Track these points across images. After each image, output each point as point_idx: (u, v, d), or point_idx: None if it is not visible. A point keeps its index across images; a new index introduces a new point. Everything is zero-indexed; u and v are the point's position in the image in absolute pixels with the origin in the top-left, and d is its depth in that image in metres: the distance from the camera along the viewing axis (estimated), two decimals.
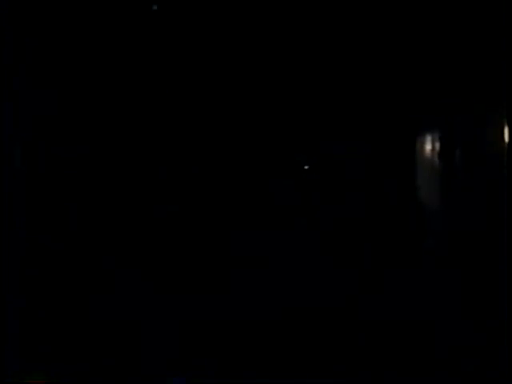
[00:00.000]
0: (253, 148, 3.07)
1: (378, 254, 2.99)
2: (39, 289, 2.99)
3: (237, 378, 2.86)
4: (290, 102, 3.08)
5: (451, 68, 3.02)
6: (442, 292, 2.94)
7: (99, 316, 2.96)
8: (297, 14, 3.04)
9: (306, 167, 3.09)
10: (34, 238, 3.00)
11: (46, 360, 2.92)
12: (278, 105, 3.08)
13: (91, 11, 3.05)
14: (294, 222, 3.04)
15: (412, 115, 3.07)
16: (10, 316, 2.89)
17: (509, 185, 2.86)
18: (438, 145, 3.05)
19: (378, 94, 3.06)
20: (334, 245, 3.01)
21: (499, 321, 2.81)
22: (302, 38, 3.06)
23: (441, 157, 3.04)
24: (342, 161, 3.05)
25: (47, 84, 3.06)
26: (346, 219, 3.03)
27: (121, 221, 3.04)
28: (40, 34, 3.05)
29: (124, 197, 3.05)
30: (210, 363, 2.91)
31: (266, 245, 3.01)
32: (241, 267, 2.99)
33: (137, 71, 3.07)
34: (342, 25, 3.05)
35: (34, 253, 2.99)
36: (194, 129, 3.08)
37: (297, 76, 3.07)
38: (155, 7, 3.02)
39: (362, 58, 3.05)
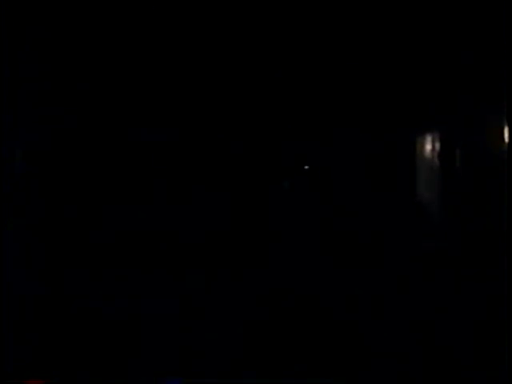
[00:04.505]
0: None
1: (376, 254, 3.00)
2: (37, 289, 2.99)
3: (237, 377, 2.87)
4: (288, 103, 3.08)
5: (451, 68, 3.02)
6: (442, 293, 2.94)
7: (97, 316, 2.97)
8: (296, 11, 3.04)
9: (306, 167, 3.10)
10: (31, 236, 3.01)
11: (44, 360, 2.92)
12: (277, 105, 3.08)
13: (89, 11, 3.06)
14: (290, 223, 3.05)
15: (412, 115, 3.07)
16: (9, 316, 2.90)
17: (509, 185, 2.86)
18: (437, 145, 3.06)
19: (378, 94, 3.06)
20: (332, 244, 3.02)
21: (499, 321, 2.81)
22: (302, 37, 3.06)
23: (441, 157, 3.04)
24: (342, 160, 3.06)
25: (48, 85, 3.06)
26: (344, 219, 3.03)
27: (120, 222, 3.05)
28: (40, 33, 3.05)
29: (124, 201, 3.06)
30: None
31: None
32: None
33: (139, 73, 3.08)
34: (341, 25, 3.05)
35: (32, 252, 3.00)
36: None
37: (298, 77, 3.08)
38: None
39: (362, 58, 3.05)
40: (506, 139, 2.89)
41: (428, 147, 3.07)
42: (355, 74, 3.06)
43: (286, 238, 3.04)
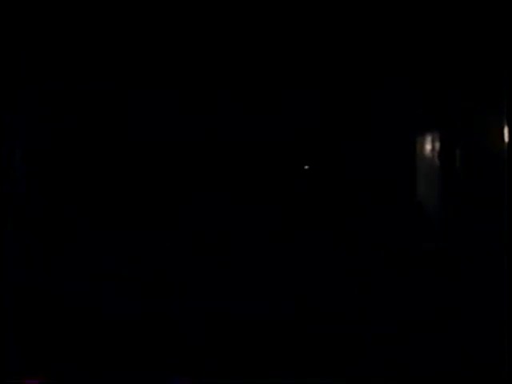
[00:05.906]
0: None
1: (376, 255, 3.00)
2: (37, 289, 2.99)
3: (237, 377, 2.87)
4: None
5: (451, 68, 3.02)
6: (441, 293, 2.95)
7: (98, 315, 2.97)
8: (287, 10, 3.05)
9: (307, 167, 3.10)
10: (31, 236, 3.01)
11: (45, 360, 2.92)
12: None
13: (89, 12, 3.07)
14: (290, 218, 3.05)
15: (412, 115, 3.07)
16: (9, 316, 2.90)
17: (509, 185, 2.86)
18: (437, 145, 3.06)
19: (378, 94, 3.06)
20: (330, 244, 3.02)
21: (499, 321, 2.82)
22: (300, 36, 3.06)
23: (441, 157, 3.05)
24: (341, 160, 3.06)
25: (47, 84, 3.07)
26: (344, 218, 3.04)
27: (120, 222, 3.05)
28: (40, 33, 3.06)
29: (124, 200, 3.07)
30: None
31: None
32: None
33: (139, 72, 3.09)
34: (339, 25, 3.05)
35: (32, 252, 3.00)
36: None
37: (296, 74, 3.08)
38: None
39: (362, 57, 3.06)
40: (506, 139, 2.89)
41: (428, 147, 3.07)
42: (355, 74, 3.07)
43: (285, 238, 3.04)
